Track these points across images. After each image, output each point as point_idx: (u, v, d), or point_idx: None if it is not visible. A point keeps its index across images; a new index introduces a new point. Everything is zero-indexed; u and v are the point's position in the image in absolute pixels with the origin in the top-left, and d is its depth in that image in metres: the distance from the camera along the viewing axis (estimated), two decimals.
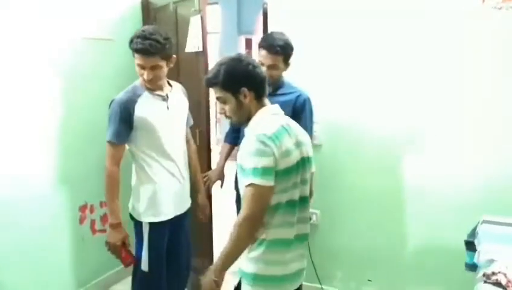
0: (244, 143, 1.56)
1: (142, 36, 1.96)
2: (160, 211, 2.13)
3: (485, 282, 1.56)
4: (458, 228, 2.31)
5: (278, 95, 2.27)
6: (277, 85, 2.33)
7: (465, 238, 2.18)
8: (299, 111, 2.32)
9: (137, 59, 2.00)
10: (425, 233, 2.54)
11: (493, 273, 1.52)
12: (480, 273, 1.64)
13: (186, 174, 2.26)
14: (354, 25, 2.54)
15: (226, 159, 2.63)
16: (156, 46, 1.95)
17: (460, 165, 2.40)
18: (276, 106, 1.66)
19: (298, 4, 2.68)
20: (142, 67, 2.00)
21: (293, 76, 2.43)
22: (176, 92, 2.23)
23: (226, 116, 1.64)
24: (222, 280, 1.57)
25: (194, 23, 2.54)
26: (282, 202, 1.53)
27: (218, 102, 1.64)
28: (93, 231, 2.84)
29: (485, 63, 2.28)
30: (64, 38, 2.58)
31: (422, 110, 2.46)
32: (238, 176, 1.60)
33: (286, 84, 2.38)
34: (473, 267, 2.15)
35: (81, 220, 2.76)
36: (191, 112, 2.39)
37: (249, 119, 1.60)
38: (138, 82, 2.11)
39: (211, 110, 2.81)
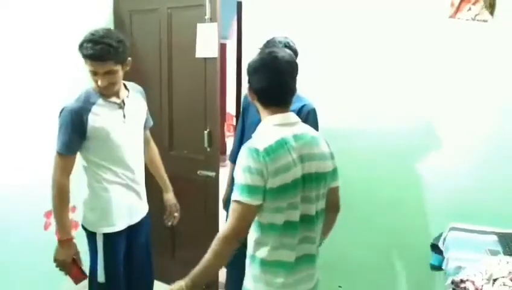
0: (239, 154, 1.45)
1: (93, 41, 1.80)
2: (114, 222, 2.04)
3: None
4: (427, 234, 2.36)
5: None
6: None
7: (431, 241, 2.23)
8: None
9: (89, 65, 1.84)
10: (394, 239, 2.57)
11: (462, 281, 1.54)
12: (449, 281, 1.66)
13: (142, 180, 2.18)
14: (333, 27, 2.57)
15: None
16: (109, 50, 1.81)
17: (430, 174, 2.45)
18: (288, 115, 1.51)
19: (273, 7, 2.68)
20: (95, 73, 1.86)
21: None
22: (133, 95, 2.11)
23: None
24: None
25: (205, 30, 2.56)
26: (277, 223, 1.43)
27: None
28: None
29: (454, 75, 2.33)
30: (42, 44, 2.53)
31: (396, 119, 2.50)
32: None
33: None
34: (437, 268, 2.20)
35: (46, 226, 2.66)
36: (198, 114, 2.59)
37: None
38: (91, 88, 1.97)
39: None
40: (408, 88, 2.43)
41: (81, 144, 1.94)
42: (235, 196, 1.39)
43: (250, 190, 1.37)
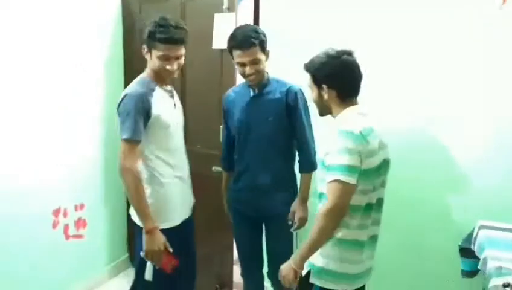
0: (330, 139, 1.59)
1: (167, 25, 1.85)
2: (170, 217, 1.99)
3: None
4: (454, 233, 2.29)
5: (264, 95, 2.11)
6: (262, 83, 2.11)
7: (460, 243, 2.16)
8: (293, 107, 2.09)
9: (163, 50, 1.87)
10: (420, 238, 2.49)
11: None
12: (494, 282, 1.59)
13: (188, 171, 2.17)
14: (357, 19, 2.42)
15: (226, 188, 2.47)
16: (185, 34, 1.91)
17: (456, 172, 2.36)
18: (362, 106, 1.69)
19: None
20: (168, 58, 1.88)
21: (285, 75, 2.22)
22: (173, 89, 2.13)
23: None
24: (301, 269, 1.65)
25: (222, 20, 2.50)
26: (361, 204, 1.59)
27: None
28: (67, 236, 2.65)
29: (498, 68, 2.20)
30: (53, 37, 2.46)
31: (422, 116, 2.39)
32: (318, 171, 1.70)
33: (272, 81, 2.14)
34: (469, 273, 2.13)
35: (54, 225, 2.55)
36: (214, 107, 2.55)
37: (330, 113, 1.70)
38: (146, 75, 1.97)
39: None
40: (442, 84, 2.32)
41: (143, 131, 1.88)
42: (335, 175, 1.51)
43: (350, 169, 1.49)
